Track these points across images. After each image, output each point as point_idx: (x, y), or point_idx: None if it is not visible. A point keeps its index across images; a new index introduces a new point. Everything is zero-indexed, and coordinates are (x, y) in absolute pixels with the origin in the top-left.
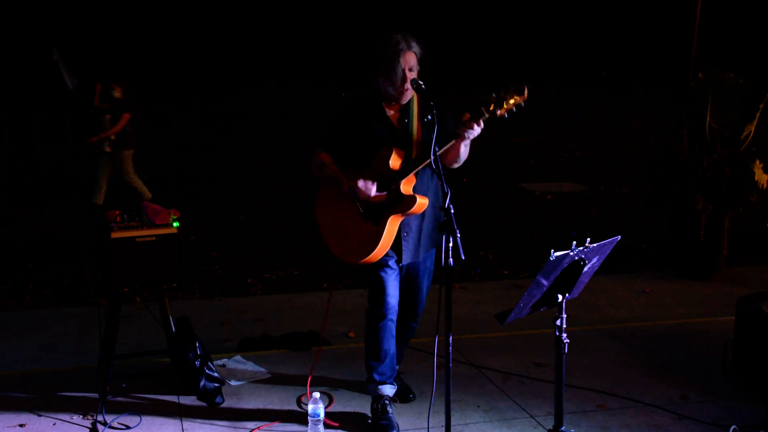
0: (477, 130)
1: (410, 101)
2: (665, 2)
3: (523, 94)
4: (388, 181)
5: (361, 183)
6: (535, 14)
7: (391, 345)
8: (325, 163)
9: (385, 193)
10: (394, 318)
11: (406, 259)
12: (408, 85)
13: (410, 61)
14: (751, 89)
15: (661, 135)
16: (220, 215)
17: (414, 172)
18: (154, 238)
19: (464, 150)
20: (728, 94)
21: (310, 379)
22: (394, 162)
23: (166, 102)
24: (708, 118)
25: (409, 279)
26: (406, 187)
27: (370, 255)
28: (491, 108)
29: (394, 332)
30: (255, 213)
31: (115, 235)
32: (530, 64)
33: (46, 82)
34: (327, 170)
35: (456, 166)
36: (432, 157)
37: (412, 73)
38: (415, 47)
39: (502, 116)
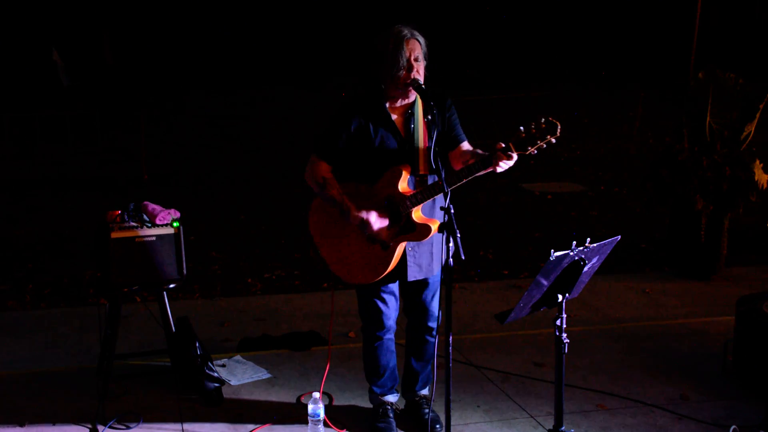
0: (505, 167)
1: (414, 105)
2: (665, 2)
3: (556, 132)
4: (398, 203)
5: (374, 222)
6: (535, 14)
7: (389, 359)
8: (327, 180)
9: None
10: (392, 335)
11: (412, 276)
12: (414, 77)
13: (415, 49)
14: (751, 89)
15: (661, 135)
16: (220, 215)
17: (428, 199)
18: (154, 238)
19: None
20: (728, 94)
21: (324, 378)
22: (404, 183)
23: (166, 102)
24: (708, 118)
25: (417, 292)
26: (418, 212)
27: (375, 279)
28: (520, 144)
29: (393, 347)
30: (255, 213)
31: (115, 235)
32: (530, 63)
33: (46, 82)
34: (330, 190)
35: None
36: (432, 156)
37: (418, 63)
38: (420, 38)
39: (529, 153)
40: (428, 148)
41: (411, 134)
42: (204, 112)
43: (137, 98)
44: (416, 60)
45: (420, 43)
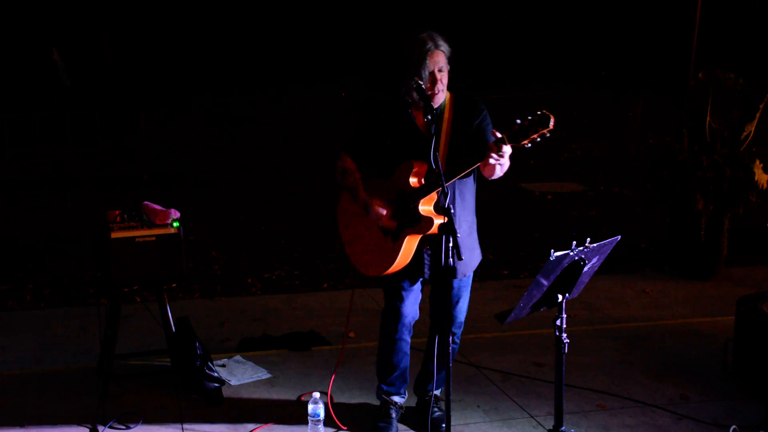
0: (498, 159)
1: (441, 107)
2: (665, 2)
3: (548, 125)
4: (408, 197)
5: (377, 208)
6: (535, 14)
7: (401, 359)
8: (348, 171)
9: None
10: (408, 337)
11: (429, 275)
12: (438, 88)
13: (439, 61)
14: (751, 89)
15: (661, 135)
16: (220, 215)
17: (434, 191)
18: (154, 238)
19: (499, 168)
20: (728, 94)
21: (333, 378)
22: (414, 177)
23: (167, 101)
24: (708, 118)
25: (441, 294)
26: (425, 206)
27: (386, 271)
28: (513, 137)
29: (407, 349)
30: (255, 213)
31: (115, 235)
32: (530, 63)
33: (46, 82)
34: (348, 179)
35: (495, 178)
36: (432, 157)
37: (441, 73)
38: (444, 46)
39: (523, 146)
40: (449, 150)
41: (433, 135)
42: (204, 112)
43: (139, 98)
44: (440, 71)
45: (444, 53)
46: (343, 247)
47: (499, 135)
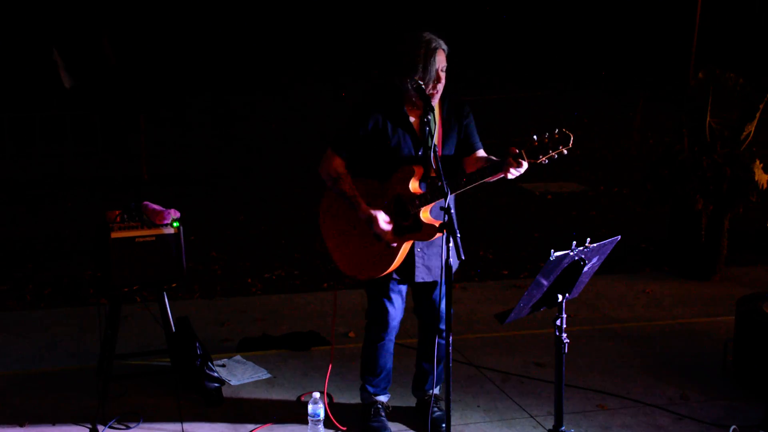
0: (515, 174)
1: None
2: (665, 2)
3: (568, 144)
4: (407, 202)
5: (381, 220)
6: (535, 14)
7: (387, 360)
8: (341, 175)
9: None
10: (393, 338)
11: (420, 277)
12: (438, 88)
13: (443, 60)
14: (751, 89)
15: (661, 135)
16: (220, 215)
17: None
18: (154, 238)
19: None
20: (728, 94)
21: (327, 377)
22: (415, 183)
23: (168, 102)
24: (708, 118)
25: (427, 294)
26: (425, 213)
27: (380, 275)
28: (532, 153)
29: (392, 350)
30: (255, 213)
31: (115, 235)
32: (530, 63)
33: (46, 82)
34: (342, 185)
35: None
36: (431, 157)
37: (443, 73)
38: (444, 46)
39: (541, 163)
40: (442, 151)
41: (427, 137)
42: (204, 112)
43: (139, 100)
44: (442, 70)
45: (445, 52)
46: (325, 248)
47: (517, 150)
